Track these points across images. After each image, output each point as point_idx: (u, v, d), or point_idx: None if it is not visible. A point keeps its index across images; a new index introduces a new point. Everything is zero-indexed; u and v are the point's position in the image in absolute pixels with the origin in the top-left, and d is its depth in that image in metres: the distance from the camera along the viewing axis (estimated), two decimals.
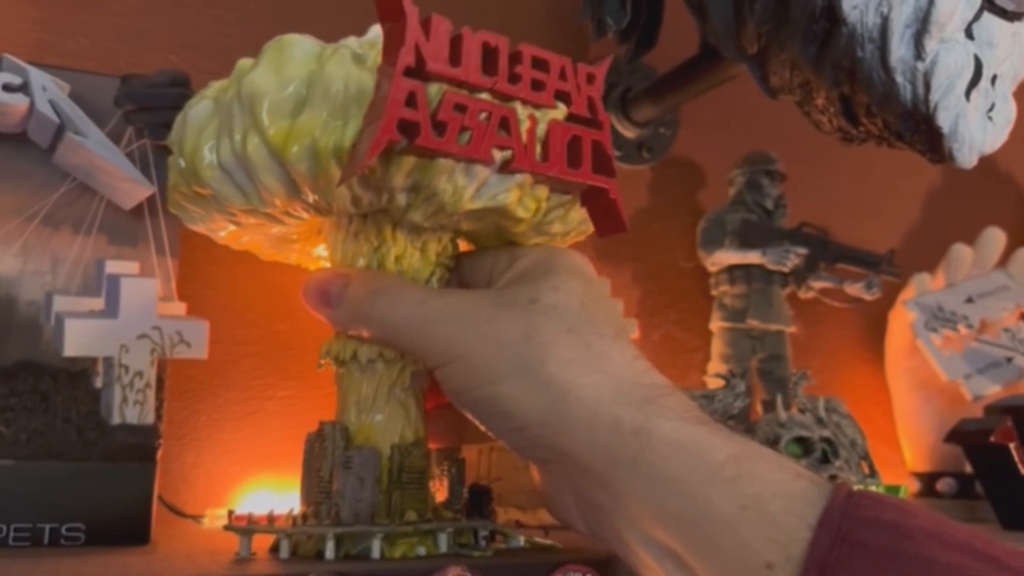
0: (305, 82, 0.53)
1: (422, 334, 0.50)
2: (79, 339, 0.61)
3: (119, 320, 0.62)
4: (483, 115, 0.51)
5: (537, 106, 0.54)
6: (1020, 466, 0.82)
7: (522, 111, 0.53)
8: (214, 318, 0.78)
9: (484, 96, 0.52)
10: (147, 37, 0.80)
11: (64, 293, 0.65)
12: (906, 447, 1.05)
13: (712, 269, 0.96)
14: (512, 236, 0.63)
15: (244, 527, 0.55)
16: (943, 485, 0.99)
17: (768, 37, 0.67)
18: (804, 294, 0.99)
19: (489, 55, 0.53)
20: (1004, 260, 1.07)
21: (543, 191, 0.56)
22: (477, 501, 0.62)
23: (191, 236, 0.70)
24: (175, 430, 0.76)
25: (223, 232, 0.69)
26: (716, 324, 0.96)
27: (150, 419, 0.63)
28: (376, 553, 0.55)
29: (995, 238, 1.07)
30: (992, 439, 0.82)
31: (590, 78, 0.55)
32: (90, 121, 0.64)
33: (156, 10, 0.81)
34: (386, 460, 0.60)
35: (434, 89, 0.51)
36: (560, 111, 0.55)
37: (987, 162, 1.26)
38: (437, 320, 0.50)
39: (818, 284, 0.98)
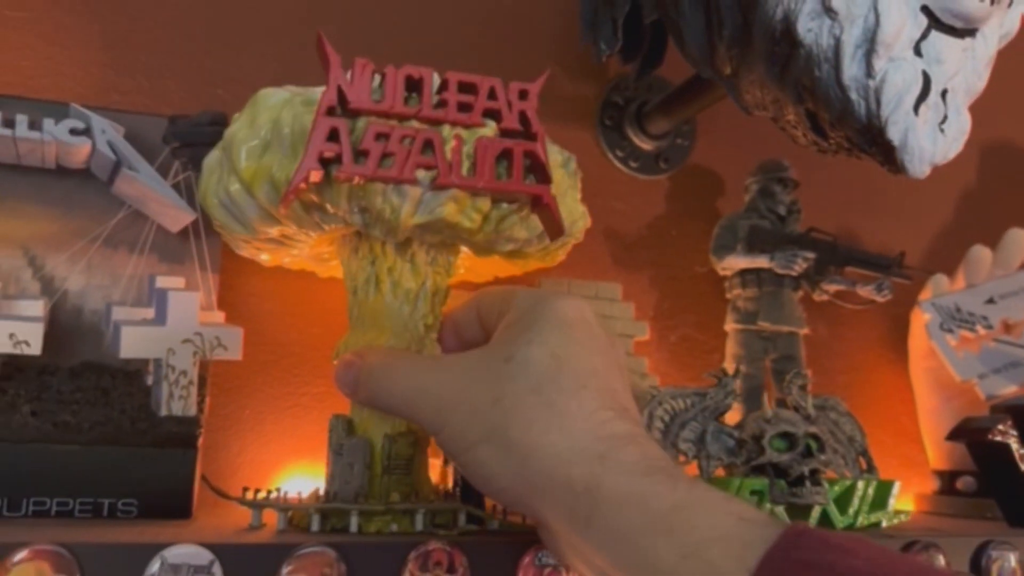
0: (271, 128, 0.62)
1: (415, 407, 0.54)
2: (133, 343, 0.72)
3: (166, 327, 0.73)
4: (407, 140, 0.59)
5: (467, 126, 0.61)
6: (1021, 464, 0.84)
7: (449, 132, 0.61)
8: (257, 323, 0.89)
9: (413, 123, 0.60)
10: (197, 73, 0.90)
11: (121, 304, 0.77)
12: (928, 446, 1.07)
13: (723, 274, 1.01)
14: (474, 245, 0.71)
15: (252, 501, 0.65)
16: (963, 483, 1.00)
17: (738, 59, 0.72)
18: (818, 297, 1.02)
19: (415, 86, 0.61)
20: None
21: (484, 202, 0.63)
22: (467, 487, 0.70)
23: (234, 252, 0.80)
24: (222, 422, 0.87)
25: (265, 256, 0.79)
26: (730, 326, 1.01)
27: (192, 411, 0.73)
28: (354, 528, 0.63)
29: (1018, 239, 1.07)
30: (990, 436, 0.84)
31: (523, 94, 0.63)
32: (141, 158, 0.75)
33: (205, 49, 0.91)
34: (379, 448, 0.68)
35: (362, 122, 0.59)
36: (490, 128, 0.62)
37: (1008, 163, 1.25)
38: (424, 393, 0.53)
39: (831, 287, 1.01)
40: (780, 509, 0.76)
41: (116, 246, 0.78)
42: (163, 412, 0.73)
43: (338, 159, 0.58)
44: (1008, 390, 0.97)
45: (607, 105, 1.05)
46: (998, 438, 0.84)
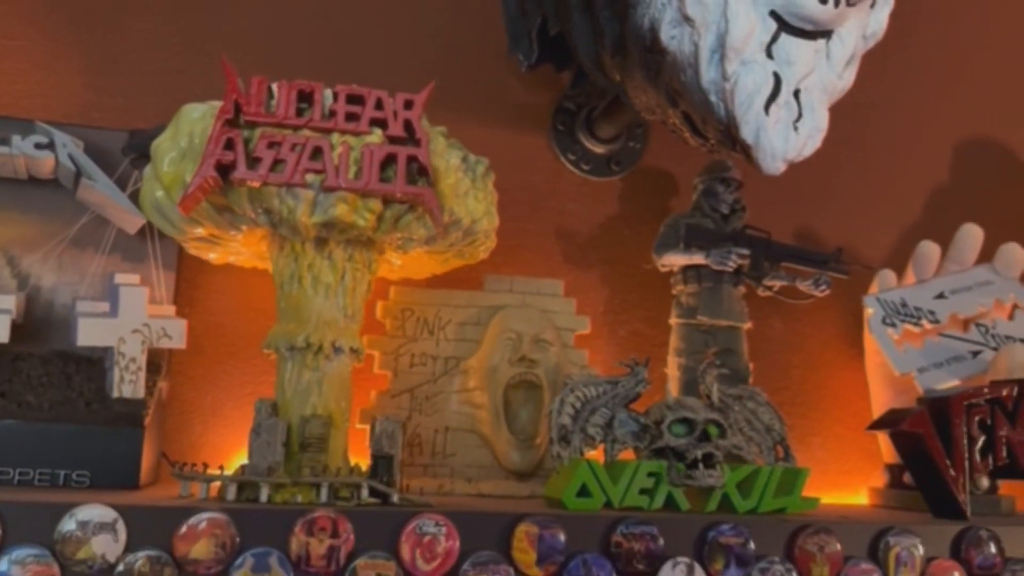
0: (188, 139, 0.70)
1: None
2: (88, 332, 0.81)
3: (118, 318, 0.82)
4: (297, 148, 0.66)
5: (355, 134, 0.68)
6: (935, 455, 0.85)
7: (337, 139, 0.68)
8: (219, 317, 0.98)
9: (304, 132, 0.67)
10: (170, 92, 0.99)
11: (85, 299, 0.86)
12: (880, 439, 1.08)
13: (664, 270, 1.04)
14: (381, 243, 0.77)
15: (180, 474, 0.73)
16: (908, 477, 1.01)
17: (621, 67, 0.77)
18: (762, 293, 1.04)
19: (307, 98, 0.68)
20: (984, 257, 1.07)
21: (375, 203, 0.70)
22: (376, 467, 0.76)
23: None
24: (186, 407, 0.95)
25: (212, 255, 0.88)
26: (673, 320, 1.04)
27: (141, 394, 0.82)
28: (263, 498, 0.71)
29: (972, 234, 1.06)
30: (904, 427, 0.86)
31: (408, 104, 0.69)
32: (98, 168, 0.85)
33: (178, 69, 1.01)
34: (296, 428, 0.76)
35: (256, 132, 0.66)
36: (376, 135, 0.69)
37: (961, 162, 1.24)
38: None
39: (773, 283, 1.03)
40: (679, 491, 0.80)
41: (83, 247, 0.88)
42: (114, 394, 0.82)
43: (232, 166, 0.66)
44: (949, 383, 0.98)
45: (559, 111, 1.10)
46: (916, 429, 0.85)
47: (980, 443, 0.87)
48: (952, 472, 0.85)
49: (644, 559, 0.72)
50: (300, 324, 0.78)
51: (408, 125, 0.69)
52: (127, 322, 0.82)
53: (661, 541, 0.73)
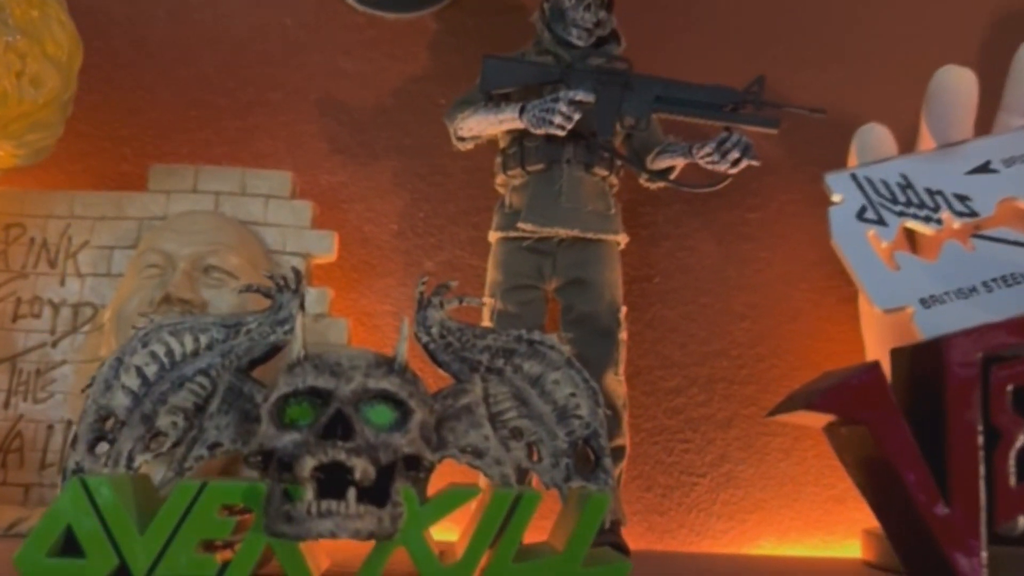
0: None
1: None
2: None
3: None
4: None
5: None
6: (899, 468, 0.38)
7: None
8: None
9: None
10: None
11: None
12: None
13: (460, 146, 0.60)
14: None
15: None
16: None
17: None
18: (647, 182, 0.59)
19: None
20: None
21: None
22: None
23: None
24: None
25: None
26: (491, 234, 0.61)
27: None
28: None
29: None
30: (825, 408, 0.39)
31: None
32: None
33: None
34: None
35: None
36: None
37: None
38: None
39: (666, 162, 0.58)
40: (290, 547, 0.37)
41: None
42: None
43: None
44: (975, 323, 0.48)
45: None
46: (853, 412, 0.38)
47: (1019, 444, 0.39)
48: (940, 503, 0.37)
49: None
50: None
51: None
52: None
53: None
